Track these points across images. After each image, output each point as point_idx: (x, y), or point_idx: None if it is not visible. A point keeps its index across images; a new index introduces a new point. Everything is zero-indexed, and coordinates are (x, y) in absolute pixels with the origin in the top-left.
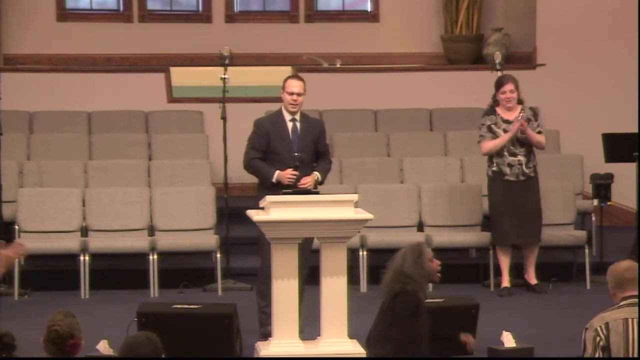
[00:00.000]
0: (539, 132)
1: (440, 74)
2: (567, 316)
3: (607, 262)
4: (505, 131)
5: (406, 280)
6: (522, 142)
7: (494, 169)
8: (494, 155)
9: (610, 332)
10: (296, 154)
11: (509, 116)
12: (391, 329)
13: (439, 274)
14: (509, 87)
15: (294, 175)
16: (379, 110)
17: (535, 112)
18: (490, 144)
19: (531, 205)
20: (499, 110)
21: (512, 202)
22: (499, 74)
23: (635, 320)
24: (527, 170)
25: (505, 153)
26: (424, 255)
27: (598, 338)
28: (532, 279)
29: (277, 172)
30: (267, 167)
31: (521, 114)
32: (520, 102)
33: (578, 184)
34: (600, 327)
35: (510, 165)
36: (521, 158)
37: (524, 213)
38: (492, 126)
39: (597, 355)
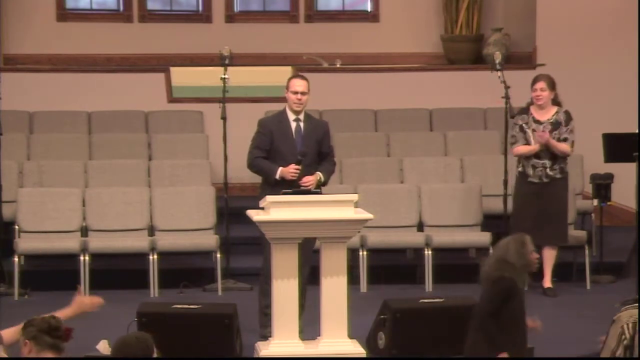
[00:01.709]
0: (565, 140)
1: (440, 74)
2: (567, 316)
3: (607, 262)
4: (534, 132)
5: (506, 267)
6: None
7: (520, 169)
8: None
9: (636, 334)
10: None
11: (541, 116)
12: (488, 313)
13: (537, 265)
14: (540, 85)
15: (297, 170)
16: (379, 110)
17: (569, 116)
18: (521, 149)
19: (553, 207)
20: (532, 109)
21: (533, 204)
22: (499, 74)
23: None
24: (551, 173)
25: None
26: (527, 246)
27: (623, 336)
28: (547, 282)
29: (280, 168)
30: (270, 165)
31: (542, 127)
32: (557, 103)
33: (578, 184)
34: (627, 324)
35: (534, 167)
36: (546, 161)
37: (545, 215)
38: (524, 125)
39: (619, 352)
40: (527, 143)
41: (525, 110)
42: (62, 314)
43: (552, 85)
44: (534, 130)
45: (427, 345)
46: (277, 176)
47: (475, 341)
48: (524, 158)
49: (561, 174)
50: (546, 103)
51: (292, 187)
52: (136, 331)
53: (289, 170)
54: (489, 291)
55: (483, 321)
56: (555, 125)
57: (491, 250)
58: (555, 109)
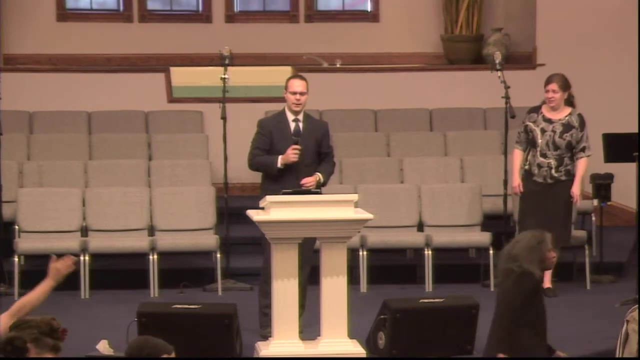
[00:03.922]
0: (583, 149)
1: (440, 74)
2: (567, 316)
3: (607, 262)
4: (543, 130)
5: (514, 261)
6: (557, 146)
7: (526, 167)
8: (529, 154)
9: None
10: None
11: (553, 115)
12: (512, 309)
13: (552, 264)
14: (552, 86)
15: (296, 149)
16: (379, 110)
17: (582, 120)
18: (512, 160)
19: (556, 209)
20: (544, 108)
21: (537, 203)
22: (499, 74)
23: None
24: (556, 174)
25: (538, 153)
26: (544, 243)
27: None
28: (546, 283)
29: (280, 156)
30: (269, 157)
31: (552, 127)
32: (571, 104)
33: None
34: None
35: (539, 166)
36: (551, 161)
37: (547, 216)
38: (530, 124)
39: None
40: (532, 144)
41: (536, 109)
42: (45, 286)
43: (564, 86)
44: (542, 130)
45: (427, 345)
46: (279, 164)
47: (498, 338)
48: (531, 155)
49: (567, 176)
50: (558, 104)
51: (292, 186)
52: (141, 337)
53: (289, 153)
54: (511, 287)
55: (505, 317)
56: (567, 127)
57: (491, 251)
58: (568, 110)
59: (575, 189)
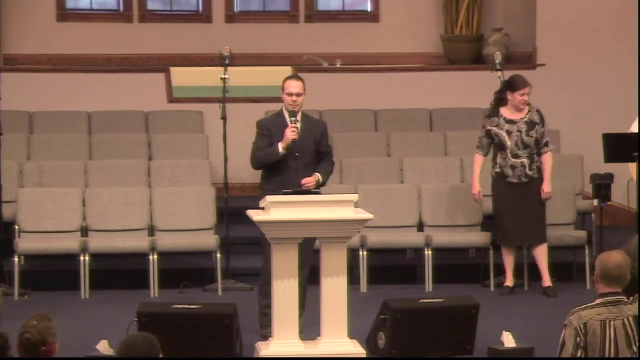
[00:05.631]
0: (546, 144)
1: (440, 74)
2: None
3: None
4: (509, 132)
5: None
6: (526, 145)
7: (497, 170)
8: (497, 157)
9: (588, 334)
10: (297, 153)
11: (514, 116)
12: None
13: None
14: (528, 89)
15: (294, 128)
16: (379, 110)
17: (542, 115)
18: (474, 166)
19: (534, 206)
20: (502, 110)
21: (515, 204)
22: (499, 74)
23: (612, 322)
24: (530, 172)
25: (509, 155)
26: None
27: (578, 338)
28: (545, 282)
29: (279, 143)
30: (268, 148)
31: (517, 127)
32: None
33: (578, 184)
34: (580, 326)
35: (512, 167)
36: (524, 160)
37: (527, 214)
38: (494, 129)
39: (579, 354)
40: (499, 147)
41: (495, 113)
42: None
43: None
44: (508, 131)
45: (427, 345)
46: (281, 150)
47: None
48: (501, 158)
49: (538, 174)
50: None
51: (292, 186)
52: (142, 332)
53: (287, 132)
54: None
55: None
56: (531, 124)
57: (491, 251)
58: (526, 108)
59: (546, 186)
